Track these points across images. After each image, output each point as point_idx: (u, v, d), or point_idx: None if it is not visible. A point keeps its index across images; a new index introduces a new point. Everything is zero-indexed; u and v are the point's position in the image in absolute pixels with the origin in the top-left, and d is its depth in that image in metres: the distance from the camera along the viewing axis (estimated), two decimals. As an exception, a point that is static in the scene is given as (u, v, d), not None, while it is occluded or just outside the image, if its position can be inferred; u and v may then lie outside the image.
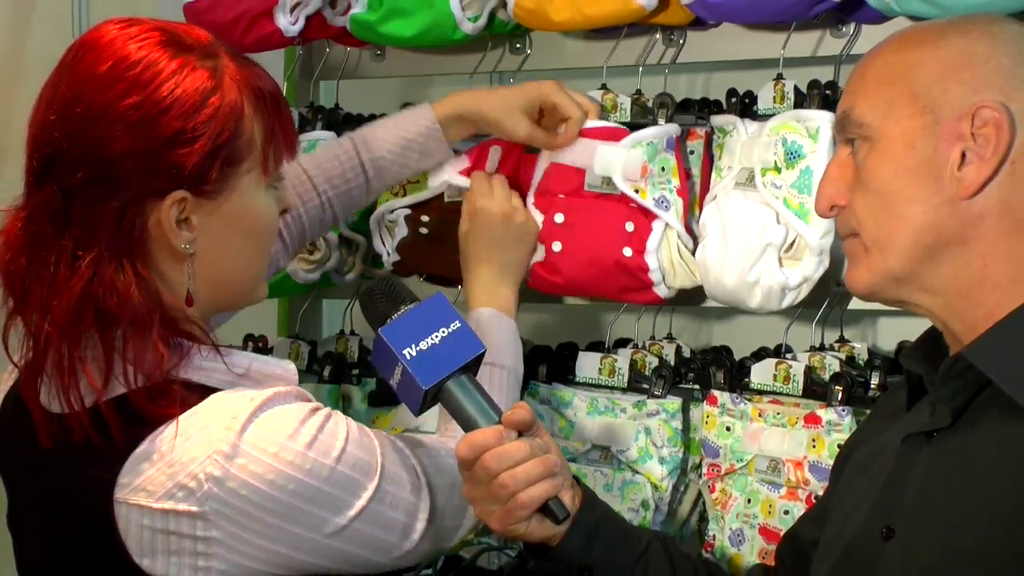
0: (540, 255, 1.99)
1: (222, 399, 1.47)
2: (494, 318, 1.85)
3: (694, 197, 1.95)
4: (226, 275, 1.55)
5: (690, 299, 1.97)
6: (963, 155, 1.38)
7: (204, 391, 1.48)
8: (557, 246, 1.96)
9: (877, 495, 1.48)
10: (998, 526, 1.33)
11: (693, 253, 1.94)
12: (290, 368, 1.57)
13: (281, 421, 1.46)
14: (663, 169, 1.93)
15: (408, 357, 1.48)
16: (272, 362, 1.58)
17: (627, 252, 1.93)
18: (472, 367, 1.53)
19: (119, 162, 1.44)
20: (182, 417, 1.45)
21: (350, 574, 1.55)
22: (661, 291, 1.93)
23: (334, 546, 1.50)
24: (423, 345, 1.49)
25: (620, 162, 1.92)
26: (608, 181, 1.93)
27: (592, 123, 1.95)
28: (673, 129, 1.95)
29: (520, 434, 1.51)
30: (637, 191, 1.92)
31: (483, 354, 1.53)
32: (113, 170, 1.45)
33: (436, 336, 1.50)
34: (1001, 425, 1.37)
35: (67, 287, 1.45)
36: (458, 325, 1.52)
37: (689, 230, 1.94)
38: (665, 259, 1.93)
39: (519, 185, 2.02)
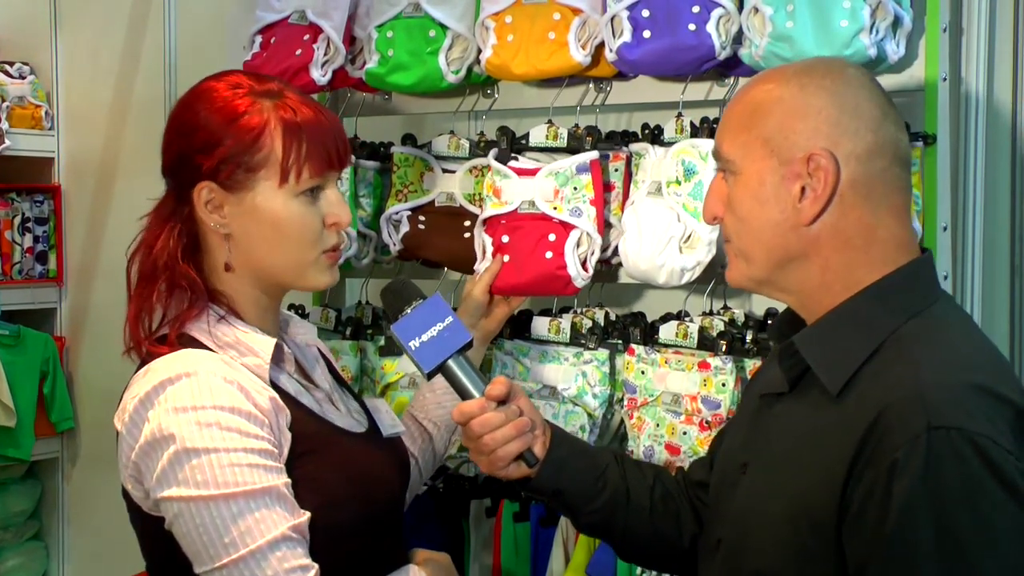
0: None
1: (183, 354, 1.59)
2: None
3: (618, 203, 2.12)
4: (261, 260, 1.64)
5: (614, 276, 2.16)
6: (803, 190, 1.48)
7: (190, 344, 1.60)
8: (505, 258, 2.13)
9: (743, 436, 1.64)
10: (803, 473, 1.47)
11: (604, 249, 2.10)
12: (266, 351, 1.63)
13: (190, 392, 1.55)
14: (575, 188, 2.09)
15: (412, 348, 1.62)
16: (257, 341, 1.64)
17: (548, 255, 2.09)
18: (465, 349, 1.65)
19: (172, 165, 1.66)
20: (163, 357, 1.59)
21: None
22: (578, 283, 2.08)
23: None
24: (424, 337, 1.62)
25: (537, 190, 2.12)
26: (532, 203, 2.12)
27: (517, 165, 2.13)
28: (583, 157, 2.09)
29: (502, 403, 1.65)
30: (555, 208, 2.10)
31: (471, 341, 1.65)
32: (169, 173, 1.67)
33: (434, 330, 1.62)
34: (817, 398, 1.50)
35: (153, 251, 1.65)
36: (451, 320, 1.63)
37: (603, 229, 2.09)
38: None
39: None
